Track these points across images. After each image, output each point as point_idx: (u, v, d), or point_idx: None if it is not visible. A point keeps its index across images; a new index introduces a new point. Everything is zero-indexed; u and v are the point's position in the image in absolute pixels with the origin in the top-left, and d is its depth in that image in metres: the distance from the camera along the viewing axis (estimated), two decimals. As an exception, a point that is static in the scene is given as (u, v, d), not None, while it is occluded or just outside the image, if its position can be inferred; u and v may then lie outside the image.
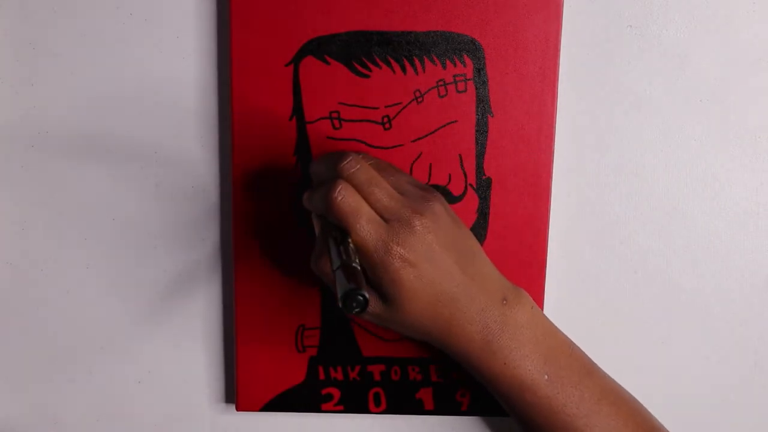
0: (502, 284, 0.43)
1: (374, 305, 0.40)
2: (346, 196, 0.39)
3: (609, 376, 0.45)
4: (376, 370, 0.49)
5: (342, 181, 0.39)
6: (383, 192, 0.40)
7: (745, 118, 0.48)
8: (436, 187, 0.47)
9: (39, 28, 0.47)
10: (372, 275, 0.40)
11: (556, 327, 0.44)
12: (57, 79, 0.48)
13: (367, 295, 0.35)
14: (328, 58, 0.46)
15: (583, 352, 0.45)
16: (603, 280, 0.50)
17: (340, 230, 0.39)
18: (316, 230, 0.42)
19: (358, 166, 0.40)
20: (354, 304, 0.35)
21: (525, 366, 0.42)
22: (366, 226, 0.39)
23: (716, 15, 0.47)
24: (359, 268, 0.37)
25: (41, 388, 0.52)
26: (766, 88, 0.48)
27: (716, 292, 0.50)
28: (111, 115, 0.48)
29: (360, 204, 0.39)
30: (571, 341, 0.45)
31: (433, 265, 0.40)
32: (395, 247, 0.39)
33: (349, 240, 0.39)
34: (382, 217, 0.39)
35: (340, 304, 0.35)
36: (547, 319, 0.44)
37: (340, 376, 0.49)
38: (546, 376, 0.42)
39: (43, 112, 0.48)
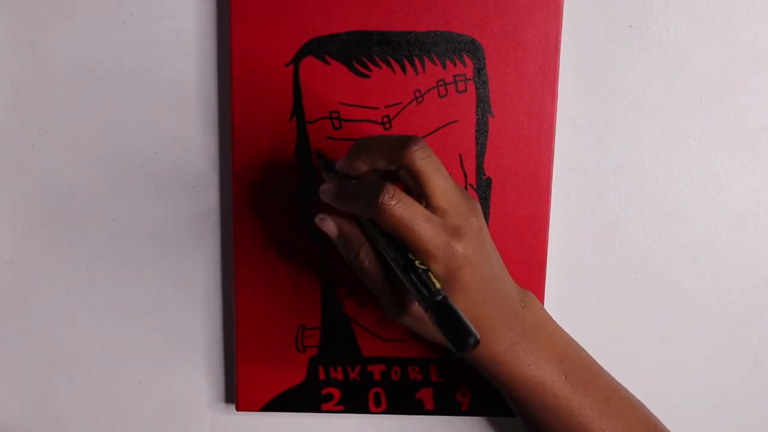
0: (515, 287, 0.43)
1: (416, 309, 0.39)
2: (401, 203, 0.36)
3: (613, 377, 0.45)
4: (376, 370, 0.49)
5: (389, 185, 0.36)
6: (447, 182, 0.38)
7: (745, 118, 0.48)
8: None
9: (39, 28, 0.47)
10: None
11: (562, 328, 0.44)
12: (57, 79, 0.48)
13: (479, 336, 0.33)
14: (328, 58, 0.46)
15: (588, 353, 0.45)
16: (603, 280, 0.50)
17: (386, 234, 0.38)
18: (343, 228, 0.40)
19: (429, 154, 0.37)
20: (468, 347, 0.33)
21: (546, 367, 0.42)
22: (426, 226, 0.36)
23: (716, 15, 0.47)
24: (446, 298, 0.35)
25: (41, 388, 0.52)
26: (766, 88, 0.48)
27: (716, 292, 0.50)
28: (111, 115, 0.48)
29: (416, 206, 0.37)
30: (576, 341, 0.45)
31: (486, 266, 0.39)
32: (457, 243, 0.37)
33: (407, 254, 0.37)
34: (440, 207, 0.38)
35: (454, 348, 0.33)
36: (554, 320, 0.44)
37: (340, 376, 0.49)
38: (564, 377, 0.42)
39: (43, 112, 0.48)
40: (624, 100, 0.48)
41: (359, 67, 0.46)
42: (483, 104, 0.46)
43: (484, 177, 0.47)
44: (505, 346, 0.41)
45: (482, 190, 0.47)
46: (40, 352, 0.51)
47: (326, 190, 0.40)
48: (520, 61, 0.46)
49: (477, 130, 0.46)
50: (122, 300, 0.50)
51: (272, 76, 0.46)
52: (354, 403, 0.49)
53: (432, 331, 0.41)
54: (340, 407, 0.49)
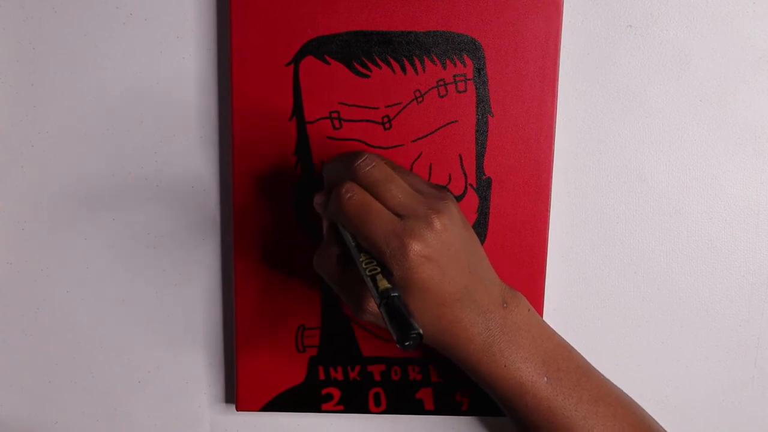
0: (501, 288, 0.43)
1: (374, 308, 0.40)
2: (355, 195, 0.38)
3: (606, 378, 0.45)
4: (376, 370, 0.49)
5: (349, 181, 0.38)
6: (399, 189, 0.39)
7: (745, 118, 0.48)
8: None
9: (39, 28, 0.47)
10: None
11: (552, 329, 0.44)
12: (57, 79, 0.48)
13: (421, 332, 0.34)
14: (328, 58, 0.46)
15: (580, 354, 0.45)
16: (603, 280, 0.50)
17: (352, 236, 0.39)
18: (324, 229, 0.42)
19: (373, 164, 0.39)
20: (408, 343, 0.34)
21: (525, 368, 0.42)
22: (376, 221, 0.38)
23: (716, 15, 0.47)
24: (398, 296, 0.36)
25: (41, 389, 0.52)
26: (766, 88, 0.48)
27: (716, 292, 0.50)
28: (111, 115, 0.48)
29: (370, 200, 0.38)
30: (567, 343, 0.45)
31: (447, 265, 0.39)
32: (412, 242, 0.37)
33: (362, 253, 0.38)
34: (397, 214, 0.38)
35: (397, 342, 0.34)
36: (544, 321, 0.44)
37: (340, 376, 0.49)
38: (545, 378, 0.42)
39: (43, 112, 0.48)
40: (624, 100, 0.48)
41: (359, 67, 0.46)
42: (483, 104, 0.46)
43: (484, 177, 0.47)
44: (479, 345, 0.41)
45: (482, 190, 0.47)
46: (40, 352, 0.51)
47: (316, 201, 0.43)
48: (520, 61, 0.46)
49: (477, 130, 0.46)
50: (122, 300, 0.50)
51: (272, 76, 0.46)
52: (354, 403, 0.49)
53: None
54: (340, 407, 0.49)
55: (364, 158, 0.39)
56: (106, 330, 0.51)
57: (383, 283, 0.36)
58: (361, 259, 0.38)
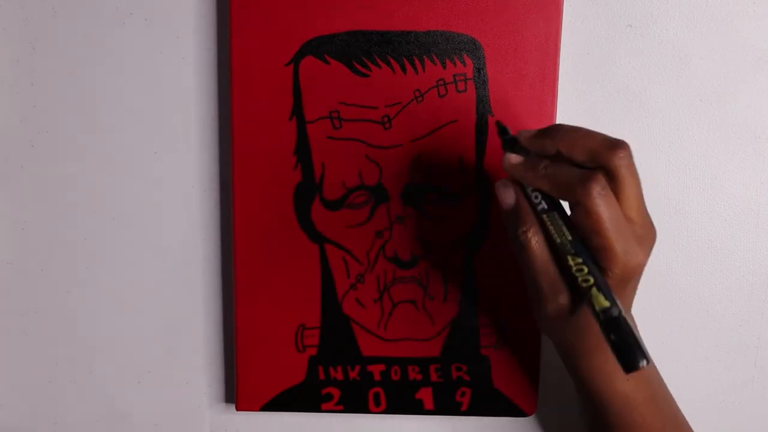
0: None
1: (560, 310, 0.39)
2: (609, 196, 0.36)
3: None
4: (376, 370, 0.49)
5: (603, 178, 0.36)
6: (640, 197, 0.38)
7: (745, 118, 0.48)
8: (436, 187, 0.47)
9: (39, 28, 0.47)
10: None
11: None
12: (57, 79, 0.48)
13: (650, 358, 0.34)
14: (328, 58, 0.46)
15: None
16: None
17: (573, 235, 0.37)
18: (507, 201, 0.39)
19: (632, 162, 0.37)
20: (638, 368, 0.34)
21: (640, 385, 0.42)
22: (622, 230, 0.36)
23: (716, 15, 0.47)
24: (622, 317, 0.35)
25: (41, 388, 0.52)
26: (766, 88, 0.48)
27: (716, 292, 0.50)
28: (111, 115, 0.48)
29: (617, 204, 0.37)
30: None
31: (638, 282, 0.39)
32: (638, 250, 0.37)
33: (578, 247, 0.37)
34: (628, 216, 0.37)
35: (622, 366, 0.34)
36: None
37: (340, 375, 0.49)
38: (653, 399, 0.43)
39: (43, 112, 0.48)
40: (624, 100, 0.48)
41: (359, 67, 0.46)
42: (483, 104, 0.46)
43: (484, 177, 0.47)
44: (614, 359, 0.41)
45: (482, 189, 0.47)
46: (40, 352, 0.51)
47: (515, 163, 0.39)
48: (520, 61, 0.46)
49: (477, 130, 0.46)
50: (122, 300, 0.50)
51: (272, 76, 0.46)
52: (354, 403, 0.49)
53: (570, 335, 0.40)
54: (340, 407, 0.49)
55: (628, 152, 0.37)
56: (106, 330, 0.51)
57: (601, 301, 0.35)
58: (571, 263, 0.37)
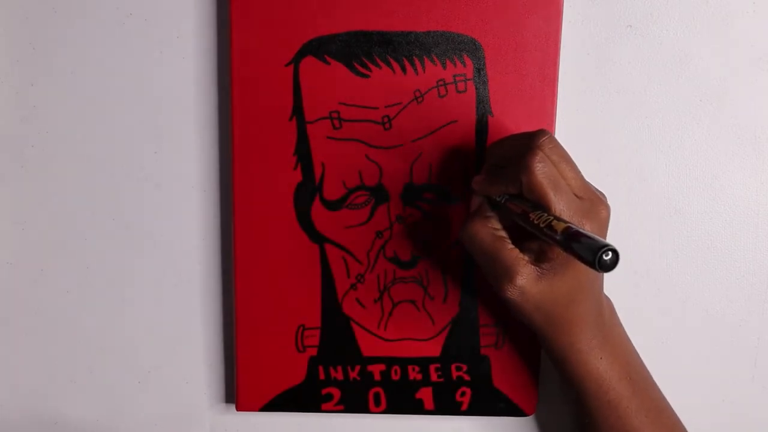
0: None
1: (529, 276, 0.40)
2: (546, 166, 0.39)
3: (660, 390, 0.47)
4: (376, 370, 0.49)
5: (541, 152, 0.39)
6: (576, 172, 0.40)
7: (745, 118, 0.48)
8: (436, 187, 0.47)
9: (39, 28, 0.47)
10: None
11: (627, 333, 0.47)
12: (57, 79, 0.48)
13: (614, 246, 0.33)
14: (328, 58, 0.46)
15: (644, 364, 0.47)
16: (603, 280, 0.50)
17: (531, 203, 0.39)
18: (477, 204, 0.43)
19: (557, 143, 0.40)
20: (610, 261, 0.33)
21: (615, 365, 0.44)
22: (563, 195, 0.39)
23: (716, 15, 0.47)
24: (579, 230, 0.35)
25: (41, 388, 0.52)
26: (766, 88, 0.48)
27: (716, 292, 0.50)
28: (111, 115, 0.48)
29: (557, 175, 0.39)
30: (636, 350, 0.47)
31: None
32: (587, 223, 0.39)
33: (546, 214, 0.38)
34: (574, 194, 0.40)
35: (597, 263, 0.33)
36: (622, 324, 0.47)
37: (340, 376, 0.49)
38: (629, 377, 0.44)
39: (43, 112, 0.48)
40: (624, 100, 0.48)
41: (359, 67, 0.46)
42: (483, 104, 0.46)
43: (484, 177, 0.47)
44: (589, 331, 0.43)
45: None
46: (40, 352, 0.51)
47: (478, 180, 0.43)
48: (520, 61, 0.46)
49: (477, 130, 0.46)
50: (122, 300, 0.50)
51: (272, 76, 0.46)
52: (354, 403, 0.49)
53: (537, 313, 0.42)
54: (340, 407, 0.49)
55: (548, 135, 0.39)
56: (106, 330, 0.51)
57: (561, 225, 0.36)
58: (531, 217, 0.38)
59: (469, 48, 0.45)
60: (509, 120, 0.46)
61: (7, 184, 0.49)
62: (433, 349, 0.49)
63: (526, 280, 0.40)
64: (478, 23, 0.45)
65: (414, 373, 0.49)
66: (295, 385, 0.49)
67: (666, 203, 0.49)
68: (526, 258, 0.40)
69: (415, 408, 0.49)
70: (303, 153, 0.47)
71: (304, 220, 0.47)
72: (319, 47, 0.45)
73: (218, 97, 0.48)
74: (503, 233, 0.42)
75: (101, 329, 0.51)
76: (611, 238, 0.49)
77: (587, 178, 0.48)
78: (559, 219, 0.37)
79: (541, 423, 0.51)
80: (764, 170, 0.49)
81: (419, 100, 0.46)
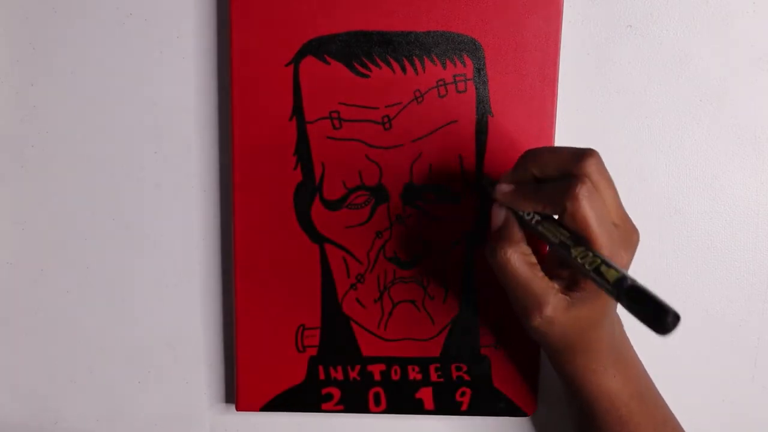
0: None
1: (558, 305, 0.39)
2: (593, 197, 0.37)
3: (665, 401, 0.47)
4: (376, 369, 0.49)
5: (590, 181, 0.37)
6: (616, 198, 0.39)
7: (745, 118, 0.48)
8: (436, 187, 0.47)
9: (39, 28, 0.47)
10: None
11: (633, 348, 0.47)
12: (57, 79, 0.48)
13: (677, 313, 0.33)
14: (328, 58, 0.46)
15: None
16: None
17: (567, 230, 0.38)
18: (503, 219, 0.41)
19: (601, 169, 0.38)
20: (671, 324, 0.34)
21: (627, 382, 0.43)
22: (607, 228, 0.37)
23: (716, 15, 0.47)
24: (636, 282, 0.34)
25: (41, 388, 0.52)
26: (766, 88, 0.48)
27: (716, 292, 0.50)
28: (111, 115, 0.48)
29: (603, 208, 0.37)
30: (642, 363, 0.47)
31: None
32: (623, 253, 0.38)
33: (584, 248, 0.37)
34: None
35: (658, 326, 0.33)
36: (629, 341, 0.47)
37: (340, 375, 0.49)
38: (638, 394, 0.44)
39: (43, 112, 0.48)
40: (624, 100, 0.48)
41: (359, 67, 0.46)
42: (483, 104, 0.46)
43: (483, 177, 0.47)
44: (604, 356, 0.42)
45: (482, 190, 0.47)
46: (40, 352, 0.51)
47: (506, 191, 0.40)
48: (520, 61, 0.46)
49: (477, 130, 0.46)
50: (122, 300, 0.50)
51: (272, 76, 0.46)
52: (354, 403, 0.49)
53: (556, 340, 0.41)
54: (340, 407, 0.49)
55: (596, 159, 0.38)
56: (106, 330, 0.51)
57: (613, 273, 0.35)
58: (575, 254, 0.37)
59: (469, 48, 0.46)
60: (509, 120, 0.46)
61: (7, 184, 0.49)
62: (433, 349, 0.49)
63: (555, 311, 0.39)
64: (478, 23, 0.45)
65: (414, 373, 0.49)
66: (295, 385, 0.49)
67: (666, 203, 0.49)
68: (557, 287, 0.39)
69: (415, 408, 0.49)
70: (303, 153, 0.47)
71: (304, 220, 0.47)
72: (319, 47, 0.45)
73: (218, 97, 0.48)
74: (534, 259, 0.40)
75: (101, 329, 0.51)
76: (611, 238, 0.49)
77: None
78: (609, 265, 0.35)
79: (541, 423, 0.51)
80: (764, 170, 0.49)
81: (419, 100, 0.46)
